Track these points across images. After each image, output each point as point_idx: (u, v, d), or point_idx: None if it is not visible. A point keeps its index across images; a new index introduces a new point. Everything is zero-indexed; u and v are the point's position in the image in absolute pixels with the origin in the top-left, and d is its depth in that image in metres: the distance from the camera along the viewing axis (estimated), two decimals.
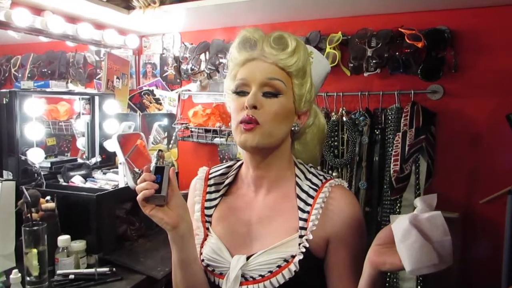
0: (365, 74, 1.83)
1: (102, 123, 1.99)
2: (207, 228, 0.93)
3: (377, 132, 1.76)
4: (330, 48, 1.86)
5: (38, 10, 1.77)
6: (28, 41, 1.89)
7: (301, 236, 0.83)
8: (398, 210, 1.65)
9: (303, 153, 0.97)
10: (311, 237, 0.82)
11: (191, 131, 2.23)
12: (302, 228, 0.84)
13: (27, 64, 2.12)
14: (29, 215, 1.29)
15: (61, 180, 1.75)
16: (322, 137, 1.01)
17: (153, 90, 2.43)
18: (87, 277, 1.32)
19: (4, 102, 1.55)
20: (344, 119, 1.77)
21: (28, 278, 1.24)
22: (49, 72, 2.14)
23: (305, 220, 0.84)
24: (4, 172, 1.57)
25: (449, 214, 1.65)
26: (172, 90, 2.42)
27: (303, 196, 0.87)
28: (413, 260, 0.64)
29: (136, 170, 1.64)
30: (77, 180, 1.75)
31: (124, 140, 1.70)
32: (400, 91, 1.74)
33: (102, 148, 1.98)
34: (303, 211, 0.85)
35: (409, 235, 0.65)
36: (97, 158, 1.97)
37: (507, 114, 1.58)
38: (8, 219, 1.34)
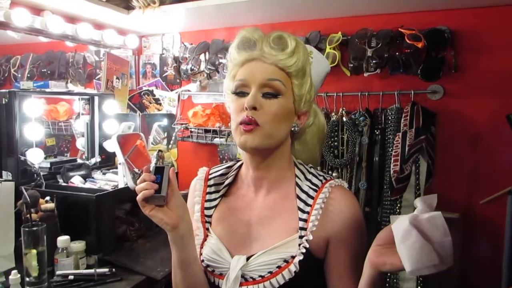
0: (365, 74, 1.83)
1: (102, 123, 1.98)
2: (207, 229, 0.93)
3: (377, 133, 1.76)
4: (330, 48, 1.86)
5: (37, 10, 1.76)
6: (28, 41, 1.89)
7: (301, 237, 0.83)
8: (398, 210, 1.64)
9: (303, 153, 0.97)
10: (311, 237, 0.82)
11: (191, 132, 2.23)
12: (302, 228, 0.84)
13: (27, 64, 2.12)
14: (28, 215, 1.29)
15: (60, 181, 1.74)
16: (322, 137, 1.00)
17: (152, 90, 2.43)
18: (87, 277, 1.31)
19: (4, 103, 1.55)
20: (344, 119, 1.77)
21: (27, 279, 1.24)
22: (49, 72, 2.14)
23: (305, 220, 0.84)
24: (4, 173, 1.57)
25: (449, 215, 1.65)
26: (171, 90, 2.42)
27: (303, 196, 0.87)
28: (413, 260, 0.64)
29: (136, 170, 1.64)
30: (76, 180, 1.74)
31: (124, 141, 1.69)
32: (400, 91, 1.74)
33: (101, 149, 1.98)
34: (303, 211, 0.85)
35: (409, 235, 0.65)
36: (97, 159, 1.97)
37: (507, 114, 1.58)
38: (7, 220, 1.34)
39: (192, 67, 2.19)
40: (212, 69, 2.13)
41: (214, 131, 2.12)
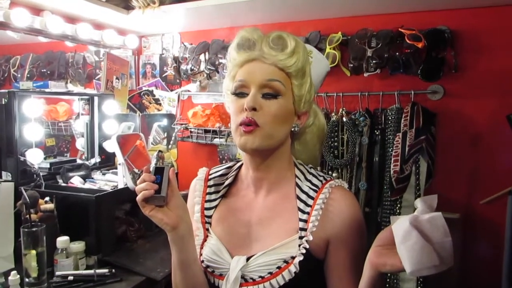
0: (365, 75, 1.83)
1: (102, 123, 1.98)
2: (207, 229, 0.93)
3: (377, 133, 1.76)
4: (330, 49, 1.86)
5: (37, 10, 1.76)
6: (27, 41, 1.89)
7: (301, 237, 0.83)
8: (398, 210, 1.64)
9: (303, 153, 0.97)
10: (311, 238, 0.82)
11: (191, 132, 2.23)
12: (302, 229, 0.83)
13: (26, 65, 2.12)
14: (28, 216, 1.29)
15: (60, 181, 1.74)
16: (322, 137, 1.00)
17: (152, 91, 2.43)
18: (86, 278, 1.31)
19: (3, 103, 1.54)
20: (344, 119, 1.77)
21: (27, 280, 1.24)
22: (49, 72, 2.14)
23: (305, 221, 0.84)
24: (3, 173, 1.57)
25: (450, 215, 1.65)
26: (171, 90, 2.41)
27: (303, 197, 0.86)
28: (413, 261, 0.63)
29: (136, 170, 1.64)
30: (76, 180, 1.74)
31: (124, 141, 1.69)
32: (400, 92, 1.74)
33: (101, 149, 1.98)
34: (303, 212, 0.85)
35: (409, 236, 0.65)
36: (97, 159, 1.97)
37: (507, 115, 1.58)
38: (7, 220, 1.34)
39: (192, 67, 2.19)
40: (212, 69, 2.13)
41: (214, 132, 2.12)
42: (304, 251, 0.81)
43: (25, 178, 1.57)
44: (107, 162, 2.01)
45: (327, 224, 0.83)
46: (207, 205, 0.95)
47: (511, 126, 1.56)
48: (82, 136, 2.02)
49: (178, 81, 2.40)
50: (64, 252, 1.35)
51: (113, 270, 1.36)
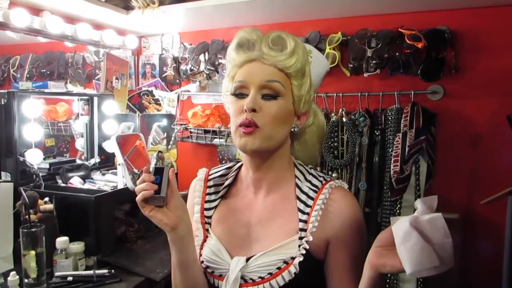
0: (365, 75, 1.83)
1: (101, 123, 1.98)
2: (207, 230, 0.93)
3: (377, 133, 1.76)
4: (330, 49, 1.86)
5: (36, 11, 1.76)
6: (27, 41, 1.88)
7: (301, 238, 0.83)
8: (398, 211, 1.64)
9: (302, 152, 0.97)
10: (311, 238, 0.82)
11: (191, 132, 2.23)
12: (302, 229, 0.83)
13: (26, 65, 2.12)
14: (27, 216, 1.29)
15: (59, 181, 1.74)
16: (322, 136, 1.00)
17: (152, 91, 2.42)
18: (86, 279, 1.31)
19: (3, 103, 1.54)
20: (344, 119, 1.77)
21: (26, 280, 1.23)
22: (48, 72, 2.14)
23: (305, 221, 0.84)
24: (2, 173, 1.57)
25: (450, 215, 1.65)
26: (171, 90, 2.41)
27: (303, 197, 0.86)
28: (413, 262, 0.63)
29: (135, 171, 1.64)
30: (75, 181, 1.74)
31: (123, 141, 1.69)
32: (400, 92, 1.73)
33: (101, 149, 1.98)
34: (303, 212, 0.85)
35: (409, 237, 0.64)
36: (96, 159, 1.97)
37: (507, 115, 1.58)
38: (6, 221, 1.34)
39: (192, 68, 2.19)
40: (212, 70, 2.13)
41: (214, 132, 2.12)
42: (304, 251, 0.81)
43: (25, 179, 1.57)
44: (107, 162, 2.00)
45: (327, 225, 0.83)
46: (206, 205, 0.95)
47: (511, 127, 1.56)
48: (82, 136, 2.01)
49: (177, 81, 2.40)
50: (64, 252, 1.35)
51: (113, 271, 1.36)
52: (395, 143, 1.64)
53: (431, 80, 1.72)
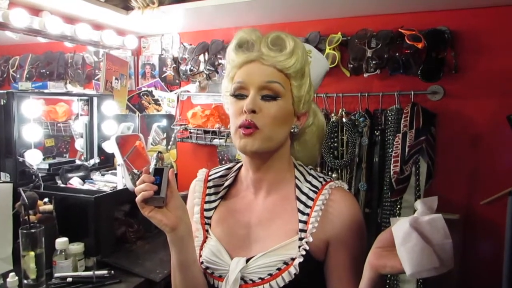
0: (365, 75, 1.82)
1: (101, 124, 1.98)
2: (207, 230, 0.93)
3: (377, 133, 1.76)
4: (330, 49, 1.85)
5: (36, 11, 1.76)
6: (26, 41, 1.88)
7: (301, 239, 0.83)
8: (398, 211, 1.64)
9: (302, 152, 0.96)
10: (311, 239, 0.81)
11: (190, 132, 2.23)
12: (302, 230, 0.83)
13: (25, 65, 2.12)
14: (26, 217, 1.28)
15: (59, 182, 1.74)
16: (322, 136, 1.00)
17: (152, 91, 2.42)
18: (85, 280, 1.31)
19: (2, 103, 1.54)
20: (344, 120, 1.77)
21: (25, 281, 1.23)
22: (48, 73, 2.13)
23: (305, 222, 0.83)
24: (2, 174, 1.56)
25: (450, 216, 1.65)
26: (171, 91, 2.41)
27: (303, 198, 0.86)
28: (413, 263, 0.63)
29: (135, 171, 1.64)
30: (75, 181, 1.74)
31: (123, 141, 1.69)
32: (400, 92, 1.73)
33: (100, 150, 1.98)
34: (302, 213, 0.85)
35: (409, 238, 0.64)
36: (96, 160, 1.96)
37: (507, 115, 1.58)
38: (5, 222, 1.34)
39: (192, 68, 2.19)
40: (212, 70, 2.13)
41: (214, 132, 2.12)
42: (304, 252, 0.81)
43: (24, 179, 1.56)
44: (106, 163, 2.00)
45: (327, 226, 0.83)
46: (206, 206, 0.95)
47: (511, 127, 1.56)
48: (81, 136, 2.01)
49: (177, 81, 2.40)
50: (63, 253, 1.35)
51: (112, 272, 1.36)
52: (395, 143, 1.63)
53: (431, 80, 1.72)
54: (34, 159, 1.59)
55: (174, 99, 2.36)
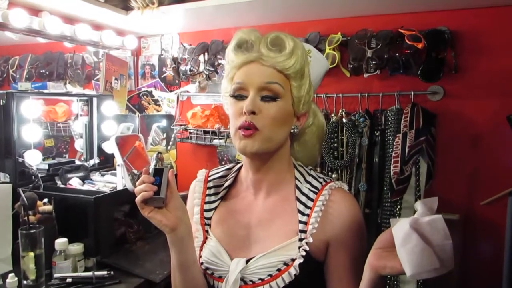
0: (365, 75, 1.82)
1: (100, 124, 1.98)
2: (206, 231, 0.93)
3: (377, 134, 1.76)
4: (330, 49, 1.85)
5: (35, 11, 1.76)
6: (26, 41, 1.88)
7: (301, 239, 0.82)
8: (398, 212, 1.64)
9: (302, 153, 0.96)
10: (311, 240, 0.81)
11: (190, 133, 2.22)
12: (302, 231, 0.83)
13: (25, 65, 2.11)
14: (26, 217, 1.28)
15: (58, 182, 1.74)
16: (321, 136, 1.00)
17: (151, 91, 2.42)
18: (85, 280, 1.31)
19: (1, 104, 1.54)
20: (344, 120, 1.77)
21: (25, 282, 1.23)
22: (47, 73, 2.13)
23: (305, 223, 0.83)
24: (1, 174, 1.56)
25: (450, 216, 1.65)
26: (170, 91, 2.41)
27: (303, 198, 0.86)
28: (413, 264, 0.63)
29: (135, 172, 1.64)
30: (75, 182, 1.74)
31: (123, 142, 1.69)
32: (400, 92, 1.73)
33: (100, 150, 1.98)
34: (303, 214, 0.85)
35: (409, 239, 0.64)
36: (95, 160, 1.96)
37: (508, 115, 1.58)
38: (4, 222, 1.34)
39: (191, 68, 2.19)
40: (211, 70, 2.13)
41: (213, 133, 2.11)
42: (304, 253, 0.81)
43: (24, 180, 1.56)
44: (106, 163, 2.00)
45: (327, 226, 0.83)
46: (206, 206, 0.95)
47: (511, 127, 1.56)
48: (81, 137, 2.01)
49: (177, 82, 2.39)
50: (63, 254, 1.34)
51: (112, 272, 1.35)
52: (395, 143, 1.63)
53: (431, 80, 1.72)
54: (33, 160, 1.59)
55: (174, 99, 2.36)
